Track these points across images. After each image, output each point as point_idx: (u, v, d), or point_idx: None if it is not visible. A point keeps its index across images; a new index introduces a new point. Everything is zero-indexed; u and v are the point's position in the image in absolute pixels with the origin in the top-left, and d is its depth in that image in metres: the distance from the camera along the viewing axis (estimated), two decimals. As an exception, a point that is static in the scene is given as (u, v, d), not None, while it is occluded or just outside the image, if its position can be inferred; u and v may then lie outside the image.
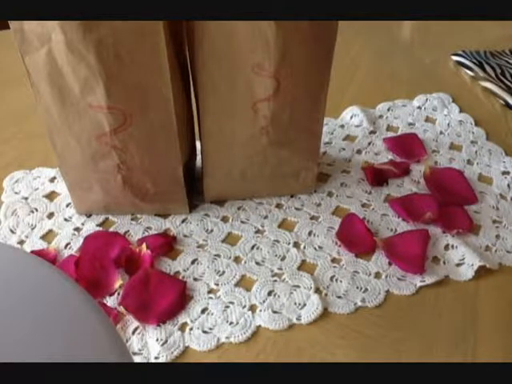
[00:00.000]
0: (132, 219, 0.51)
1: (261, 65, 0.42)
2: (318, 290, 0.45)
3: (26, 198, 0.53)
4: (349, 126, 0.66)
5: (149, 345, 0.41)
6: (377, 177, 0.57)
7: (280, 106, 0.45)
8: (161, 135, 0.44)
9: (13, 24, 0.37)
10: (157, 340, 0.41)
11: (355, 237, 0.50)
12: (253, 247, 0.49)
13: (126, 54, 0.38)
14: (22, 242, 0.49)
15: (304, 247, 0.49)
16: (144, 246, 0.47)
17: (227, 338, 0.41)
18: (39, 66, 0.39)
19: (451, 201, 0.54)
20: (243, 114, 0.45)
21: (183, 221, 0.51)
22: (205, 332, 0.42)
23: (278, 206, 0.53)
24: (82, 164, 0.46)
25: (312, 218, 0.52)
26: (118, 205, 0.50)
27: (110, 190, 0.48)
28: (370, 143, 0.63)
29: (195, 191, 0.53)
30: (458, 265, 0.48)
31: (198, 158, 0.55)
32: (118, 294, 0.44)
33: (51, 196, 0.54)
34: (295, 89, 0.44)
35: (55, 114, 0.42)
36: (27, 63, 0.39)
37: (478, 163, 0.60)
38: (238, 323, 0.42)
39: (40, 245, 0.48)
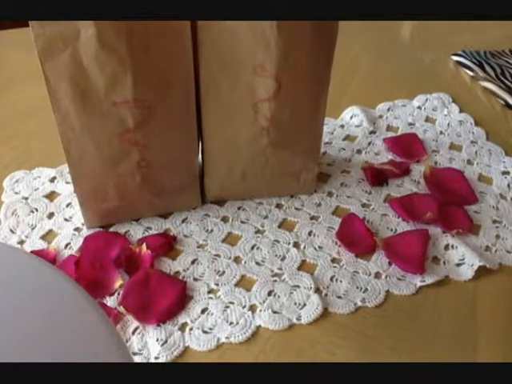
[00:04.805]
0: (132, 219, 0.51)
1: (262, 65, 0.42)
2: (317, 290, 0.45)
3: (26, 198, 0.53)
4: (349, 126, 0.66)
5: (149, 345, 0.41)
6: (377, 177, 0.57)
7: (281, 106, 0.45)
8: (181, 124, 0.45)
9: (35, 29, 0.36)
10: (157, 340, 0.41)
11: (355, 237, 0.50)
12: (253, 247, 0.49)
13: (153, 41, 0.39)
14: (22, 242, 0.49)
15: (304, 247, 0.49)
16: (144, 245, 0.47)
17: (227, 338, 0.41)
18: (61, 70, 0.39)
19: (451, 201, 0.54)
20: (244, 115, 0.45)
21: (183, 221, 0.51)
22: (205, 332, 0.42)
23: (278, 206, 0.53)
24: (99, 170, 0.45)
25: (312, 218, 0.52)
26: (131, 208, 0.49)
27: (127, 192, 0.47)
28: (370, 143, 0.63)
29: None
30: (458, 265, 0.48)
31: (198, 157, 0.54)
32: (118, 294, 0.44)
33: (51, 196, 0.54)
34: (296, 89, 0.44)
35: (75, 120, 0.41)
36: (47, 69, 0.38)
37: (477, 163, 0.60)
38: (238, 323, 0.42)
39: (40, 245, 0.48)
